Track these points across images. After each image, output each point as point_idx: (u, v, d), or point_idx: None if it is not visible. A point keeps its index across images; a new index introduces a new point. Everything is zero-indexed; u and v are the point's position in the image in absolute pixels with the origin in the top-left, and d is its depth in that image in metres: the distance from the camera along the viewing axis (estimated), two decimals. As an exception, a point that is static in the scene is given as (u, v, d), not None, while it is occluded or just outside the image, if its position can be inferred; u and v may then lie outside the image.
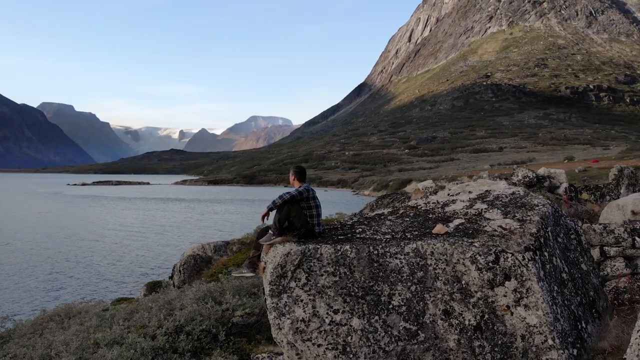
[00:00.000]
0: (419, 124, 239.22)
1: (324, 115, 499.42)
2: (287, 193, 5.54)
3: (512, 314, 4.76)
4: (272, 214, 5.72)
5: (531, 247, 4.90)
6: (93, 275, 26.74)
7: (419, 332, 4.96)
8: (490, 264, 4.83)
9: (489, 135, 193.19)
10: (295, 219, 5.44)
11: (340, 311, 5.06)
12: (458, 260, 4.98)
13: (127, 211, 67.06)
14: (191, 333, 8.07)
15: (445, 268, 5.01)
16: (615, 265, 5.48)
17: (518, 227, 5.20)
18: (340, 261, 5.17)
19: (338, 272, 5.14)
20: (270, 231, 5.56)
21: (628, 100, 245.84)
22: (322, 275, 5.16)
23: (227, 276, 11.83)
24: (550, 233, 5.40)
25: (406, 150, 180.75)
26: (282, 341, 5.12)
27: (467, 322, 4.89)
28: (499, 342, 4.79)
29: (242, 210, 68.43)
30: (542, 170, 10.42)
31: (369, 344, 4.96)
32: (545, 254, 5.09)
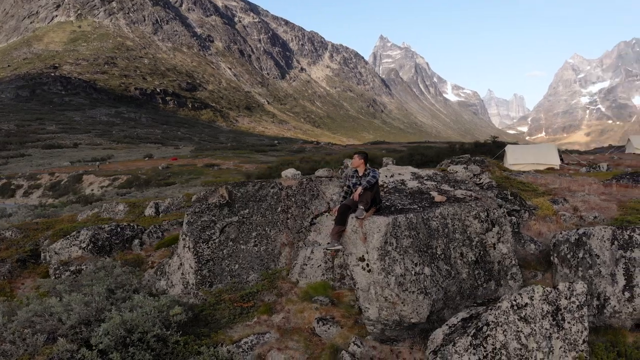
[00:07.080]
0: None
1: None
2: (376, 174, 6.41)
3: (494, 248, 7.43)
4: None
5: (499, 205, 7.70)
6: None
7: (451, 271, 6.96)
8: (486, 217, 7.36)
9: (61, 131, 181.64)
10: (377, 196, 6.39)
11: (419, 264, 6.47)
12: (465, 217, 7.26)
13: None
14: (135, 344, 6.86)
15: (458, 224, 7.18)
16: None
17: (476, 194, 7.88)
18: (410, 226, 6.55)
19: (411, 235, 6.51)
20: (360, 207, 6.25)
21: (190, 106, 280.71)
22: (403, 238, 6.41)
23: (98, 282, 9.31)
24: (485, 197, 8.34)
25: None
26: (390, 295, 6.09)
27: (470, 259, 7.24)
28: (488, 268, 7.37)
29: None
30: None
31: (434, 284, 6.61)
32: (497, 209, 8.00)
